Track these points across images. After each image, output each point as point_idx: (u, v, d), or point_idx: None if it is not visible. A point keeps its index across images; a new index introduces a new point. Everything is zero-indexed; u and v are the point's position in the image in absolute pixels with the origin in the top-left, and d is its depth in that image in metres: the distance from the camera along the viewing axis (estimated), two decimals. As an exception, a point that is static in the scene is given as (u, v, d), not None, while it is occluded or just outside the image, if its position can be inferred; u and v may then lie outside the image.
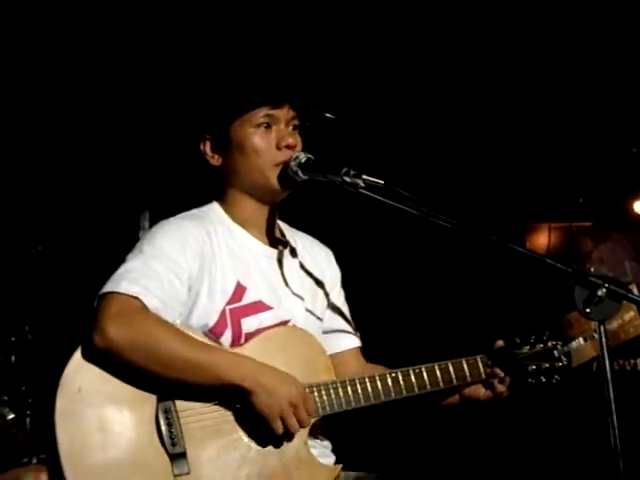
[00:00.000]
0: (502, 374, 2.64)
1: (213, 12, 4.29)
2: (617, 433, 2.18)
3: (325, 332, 2.70)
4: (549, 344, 2.69)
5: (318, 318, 2.67)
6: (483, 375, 2.65)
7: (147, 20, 4.26)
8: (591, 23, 4.52)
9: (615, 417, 2.19)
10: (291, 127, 2.59)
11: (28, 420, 3.88)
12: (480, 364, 2.65)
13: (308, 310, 2.65)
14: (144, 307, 2.31)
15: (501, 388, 2.65)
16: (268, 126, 2.56)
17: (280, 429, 2.35)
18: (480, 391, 2.68)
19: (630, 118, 5.04)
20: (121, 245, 2.52)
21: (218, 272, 2.50)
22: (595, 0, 4.39)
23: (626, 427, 2.21)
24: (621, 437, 2.18)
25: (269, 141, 2.55)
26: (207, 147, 2.60)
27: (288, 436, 2.38)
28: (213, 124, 2.58)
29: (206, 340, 2.44)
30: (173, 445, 2.29)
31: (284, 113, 2.57)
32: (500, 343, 2.68)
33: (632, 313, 2.65)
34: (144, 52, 4.37)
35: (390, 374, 2.55)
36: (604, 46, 4.66)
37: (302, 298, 2.64)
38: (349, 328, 2.77)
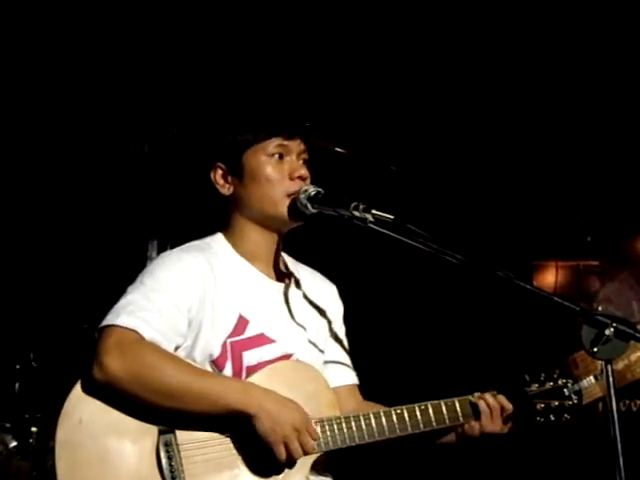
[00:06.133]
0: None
1: (231, 41, 4.32)
2: (623, 475, 2.16)
3: (324, 362, 2.68)
4: (559, 382, 2.66)
5: (320, 350, 2.66)
6: (461, 419, 2.60)
7: (161, 46, 4.28)
8: (596, 60, 4.55)
9: (621, 459, 2.17)
10: (301, 160, 2.61)
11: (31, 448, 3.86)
12: (458, 406, 2.59)
13: (311, 342, 2.64)
14: (142, 338, 2.30)
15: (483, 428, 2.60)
16: (281, 157, 2.57)
17: (283, 455, 2.33)
18: (475, 428, 2.62)
19: (638, 156, 5.04)
20: (128, 274, 2.51)
21: (220, 305, 2.49)
22: (600, 26, 4.42)
23: (632, 469, 2.19)
24: (627, 479, 2.16)
25: (282, 171, 2.56)
26: (218, 175, 2.61)
27: (290, 462, 2.36)
28: (226, 152, 2.59)
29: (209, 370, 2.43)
30: (173, 478, 2.27)
31: (296, 145, 2.59)
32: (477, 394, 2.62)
33: (639, 353, 2.63)
34: (158, 78, 4.39)
35: (395, 410, 2.53)
36: (611, 78, 4.68)
37: (305, 329, 2.63)
38: (348, 362, 2.75)
